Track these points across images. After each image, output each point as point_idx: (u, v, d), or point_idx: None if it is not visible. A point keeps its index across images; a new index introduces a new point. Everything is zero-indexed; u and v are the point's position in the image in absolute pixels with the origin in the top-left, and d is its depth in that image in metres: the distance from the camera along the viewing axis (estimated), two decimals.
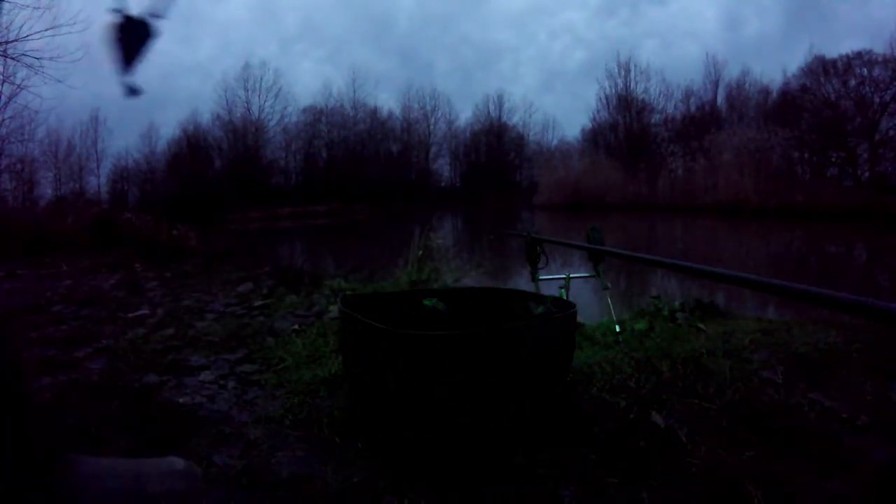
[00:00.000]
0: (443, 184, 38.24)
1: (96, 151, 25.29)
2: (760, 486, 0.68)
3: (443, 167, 38.40)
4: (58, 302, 2.14)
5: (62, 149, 22.67)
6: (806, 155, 22.46)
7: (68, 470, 0.53)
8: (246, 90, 32.08)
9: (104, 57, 0.67)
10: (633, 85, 32.23)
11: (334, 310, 1.70)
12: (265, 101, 32.37)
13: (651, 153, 29.21)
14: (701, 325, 1.63)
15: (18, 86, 6.90)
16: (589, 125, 34.36)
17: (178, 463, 0.60)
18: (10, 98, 7.36)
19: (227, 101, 31.71)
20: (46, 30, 6.23)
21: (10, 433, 0.51)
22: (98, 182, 25.92)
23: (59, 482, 0.52)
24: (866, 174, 21.19)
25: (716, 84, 29.66)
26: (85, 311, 1.93)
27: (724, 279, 0.64)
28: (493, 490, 0.67)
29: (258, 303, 1.84)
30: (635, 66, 32.24)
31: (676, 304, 2.02)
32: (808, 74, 23.23)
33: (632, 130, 31.47)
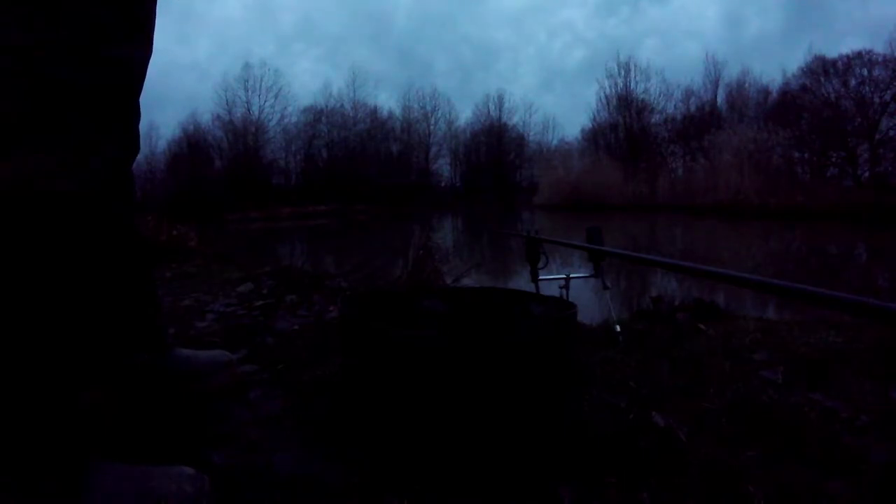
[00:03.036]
0: (443, 184, 38.32)
1: None
2: (760, 486, 0.68)
3: (443, 167, 38.49)
4: None
5: None
6: (806, 155, 22.49)
7: (90, 476, 0.56)
8: (246, 90, 32.19)
9: None
10: (633, 85, 32.31)
11: (334, 310, 1.70)
12: (265, 102, 32.46)
13: (651, 153, 29.26)
14: (701, 325, 1.62)
15: None
16: (589, 125, 34.49)
17: (188, 470, 0.62)
18: None
19: (226, 101, 31.83)
20: None
21: (46, 438, 0.53)
22: None
23: (82, 488, 0.55)
24: (866, 174, 21.20)
25: (716, 84, 29.71)
26: None
27: (724, 279, 0.64)
28: (492, 490, 0.67)
29: (258, 303, 1.84)
30: (635, 65, 32.35)
31: (676, 304, 2.02)
32: (808, 74, 23.26)
33: (632, 130, 31.51)
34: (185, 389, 0.90)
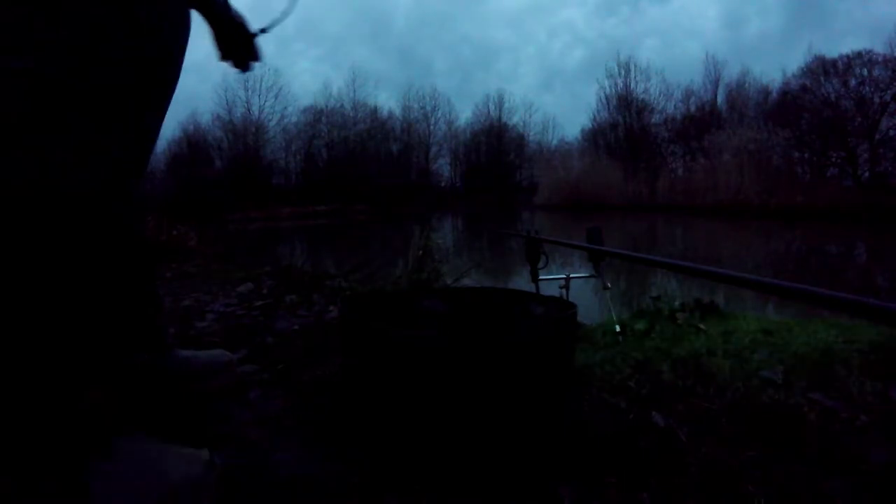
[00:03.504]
0: (443, 184, 38.32)
1: None
2: (760, 486, 0.68)
3: (443, 167, 38.51)
4: None
5: None
6: (806, 155, 22.50)
7: (99, 457, 0.56)
8: (246, 90, 32.17)
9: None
10: (633, 84, 32.33)
11: (334, 310, 1.70)
12: (265, 102, 32.46)
13: (651, 153, 29.28)
14: (701, 325, 1.63)
15: None
16: (589, 125, 34.52)
17: (204, 453, 0.63)
18: None
19: (226, 101, 31.83)
20: None
21: (46, 438, 0.54)
22: None
23: (87, 474, 0.55)
24: (866, 174, 21.22)
25: (716, 84, 29.73)
26: None
27: (724, 279, 0.64)
28: (492, 490, 0.67)
29: (258, 303, 1.84)
30: (635, 65, 32.39)
31: (676, 304, 2.02)
32: (808, 74, 23.25)
33: (632, 130, 31.52)
34: (185, 390, 0.90)
